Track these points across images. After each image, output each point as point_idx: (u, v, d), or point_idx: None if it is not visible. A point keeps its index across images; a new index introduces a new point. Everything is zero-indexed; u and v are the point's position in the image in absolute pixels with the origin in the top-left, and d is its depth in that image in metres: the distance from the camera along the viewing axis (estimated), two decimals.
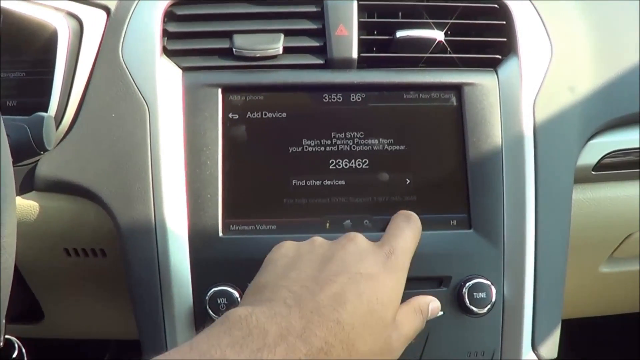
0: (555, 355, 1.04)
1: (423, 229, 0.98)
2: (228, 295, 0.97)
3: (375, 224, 1.01)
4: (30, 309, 1.30)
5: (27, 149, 0.93)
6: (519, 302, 1.02)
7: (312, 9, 1.05)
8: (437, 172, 1.02)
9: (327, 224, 1.01)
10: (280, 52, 1.03)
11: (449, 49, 1.05)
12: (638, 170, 1.12)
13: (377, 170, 1.02)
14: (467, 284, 0.99)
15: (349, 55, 1.03)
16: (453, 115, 1.03)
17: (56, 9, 1.02)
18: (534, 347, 1.02)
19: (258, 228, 1.00)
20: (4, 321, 0.83)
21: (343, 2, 1.04)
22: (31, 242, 1.07)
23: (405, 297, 0.98)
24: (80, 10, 1.04)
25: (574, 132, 1.06)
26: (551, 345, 1.04)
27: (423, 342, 1.00)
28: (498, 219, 1.01)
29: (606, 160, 1.10)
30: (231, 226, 1.00)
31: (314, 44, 1.04)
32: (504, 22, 1.07)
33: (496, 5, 1.07)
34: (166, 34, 1.04)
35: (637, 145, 1.10)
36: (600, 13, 1.15)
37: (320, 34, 1.04)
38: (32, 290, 1.24)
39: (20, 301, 1.26)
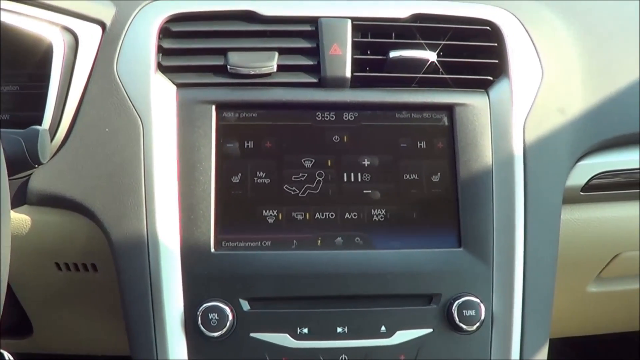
0: None
1: (414, 247, 1.00)
2: (220, 310, 0.97)
3: (367, 241, 1.02)
4: (19, 323, 1.29)
5: (21, 162, 0.93)
6: (508, 319, 1.03)
7: (307, 28, 1.06)
8: (428, 191, 1.03)
9: (319, 241, 1.02)
10: (275, 70, 1.04)
11: (441, 69, 1.06)
12: (626, 191, 1.14)
13: (369, 189, 1.03)
14: (457, 302, 1.00)
15: (343, 74, 1.04)
16: (444, 135, 1.04)
17: (52, 22, 1.03)
18: None
19: (250, 244, 1.01)
20: None
21: (337, 21, 1.05)
22: (22, 256, 1.07)
23: (396, 314, 1.00)
24: (76, 24, 1.04)
25: (563, 153, 1.07)
26: None
27: (413, 359, 1.01)
28: (488, 238, 1.02)
29: (595, 181, 1.11)
30: (223, 242, 1.00)
31: (308, 62, 1.05)
32: (496, 44, 1.09)
33: (488, 28, 1.09)
34: (161, 50, 1.05)
35: (625, 167, 1.12)
36: (591, 36, 1.16)
37: (315, 52, 1.05)
38: (21, 304, 1.23)
39: (9, 315, 1.25)
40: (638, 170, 1.13)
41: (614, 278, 1.28)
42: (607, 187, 1.13)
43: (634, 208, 1.16)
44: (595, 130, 1.10)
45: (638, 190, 1.14)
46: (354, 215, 1.02)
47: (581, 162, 1.10)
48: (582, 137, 1.09)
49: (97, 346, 1.43)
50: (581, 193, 1.11)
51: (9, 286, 1.16)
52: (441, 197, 1.03)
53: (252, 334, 0.99)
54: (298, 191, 1.02)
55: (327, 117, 1.04)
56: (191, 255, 1.00)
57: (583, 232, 1.16)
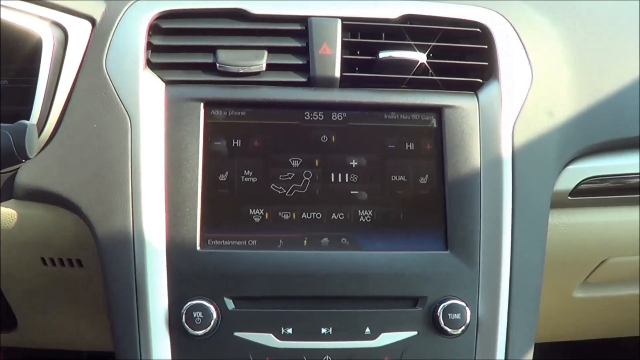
0: None
1: (400, 249, 1.00)
2: (204, 309, 0.97)
3: (353, 242, 1.02)
4: (2, 317, 1.29)
5: (9, 156, 0.93)
6: (493, 323, 1.02)
7: (297, 27, 1.06)
8: (415, 193, 1.03)
9: (305, 241, 1.01)
10: (264, 68, 1.04)
11: (430, 70, 1.06)
12: (614, 197, 1.14)
13: (356, 189, 1.03)
14: (442, 305, 1.00)
15: (332, 74, 1.04)
16: (433, 136, 1.04)
17: (41, 17, 1.02)
18: None
19: (236, 243, 1.00)
20: None
21: (327, 21, 1.05)
22: (8, 250, 1.07)
23: (381, 316, 1.00)
24: (66, 19, 1.04)
25: (552, 157, 1.07)
26: None
27: None
28: (474, 241, 1.02)
29: (583, 186, 1.11)
30: (209, 240, 1.00)
31: (297, 61, 1.05)
32: (486, 46, 1.08)
33: (478, 30, 1.09)
34: (150, 46, 1.05)
35: (614, 172, 1.12)
36: (583, 39, 1.16)
37: (304, 52, 1.05)
38: (5, 298, 1.23)
39: None
40: (627, 176, 1.13)
41: (601, 283, 1.28)
42: (595, 192, 1.13)
43: (622, 213, 1.16)
44: (584, 134, 1.10)
45: (626, 196, 1.14)
46: (341, 216, 1.02)
47: (570, 167, 1.10)
48: (571, 141, 1.09)
49: (81, 342, 1.42)
50: (569, 198, 1.11)
51: None
52: (428, 199, 1.03)
53: (236, 333, 0.99)
54: (285, 190, 1.02)
55: (315, 116, 1.04)
56: (177, 253, 0.99)
57: (571, 237, 1.15)
